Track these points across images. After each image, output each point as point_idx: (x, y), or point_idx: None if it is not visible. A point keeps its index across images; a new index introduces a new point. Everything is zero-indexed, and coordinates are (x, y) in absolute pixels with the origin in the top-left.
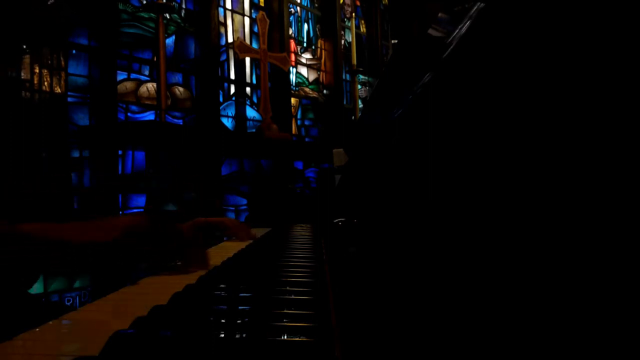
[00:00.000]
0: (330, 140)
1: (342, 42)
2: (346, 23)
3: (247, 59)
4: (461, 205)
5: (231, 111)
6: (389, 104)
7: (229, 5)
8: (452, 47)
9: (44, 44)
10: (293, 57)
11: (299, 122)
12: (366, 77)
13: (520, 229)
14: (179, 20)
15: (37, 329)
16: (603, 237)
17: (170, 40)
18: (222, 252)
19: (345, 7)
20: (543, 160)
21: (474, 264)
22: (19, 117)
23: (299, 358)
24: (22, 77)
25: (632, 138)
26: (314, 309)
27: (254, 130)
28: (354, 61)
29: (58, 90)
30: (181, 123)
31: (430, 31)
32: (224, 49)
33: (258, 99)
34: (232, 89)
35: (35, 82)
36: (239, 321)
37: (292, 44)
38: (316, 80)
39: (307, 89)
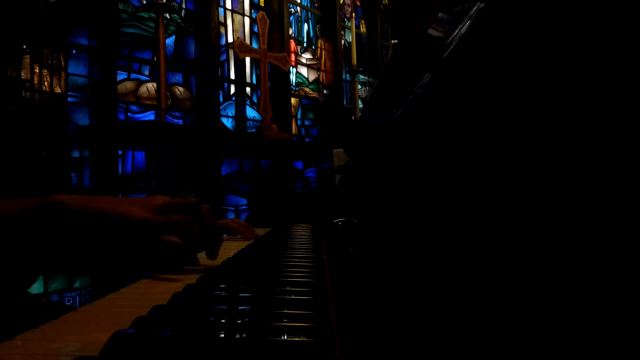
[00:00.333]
0: (330, 140)
1: (342, 42)
2: (346, 23)
3: (247, 59)
4: (461, 205)
5: (231, 111)
6: (389, 104)
7: (229, 5)
8: (452, 47)
9: (44, 44)
10: (293, 57)
11: (299, 122)
12: (366, 77)
13: (520, 229)
14: (179, 20)
15: (37, 329)
16: (603, 237)
17: (170, 40)
18: (221, 252)
19: (345, 7)
20: (543, 160)
21: (475, 263)
22: (19, 117)
23: (299, 358)
24: (22, 77)
25: (632, 138)
26: (314, 309)
27: (254, 130)
28: (354, 61)
29: (58, 90)
30: (181, 123)
31: (430, 31)
32: (224, 49)
33: (258, 99)
34: (232, 89)
35: (35, 82)
36: (239, 321)
37: (292, 44)
38: (316, 80)
39: (307, 89)
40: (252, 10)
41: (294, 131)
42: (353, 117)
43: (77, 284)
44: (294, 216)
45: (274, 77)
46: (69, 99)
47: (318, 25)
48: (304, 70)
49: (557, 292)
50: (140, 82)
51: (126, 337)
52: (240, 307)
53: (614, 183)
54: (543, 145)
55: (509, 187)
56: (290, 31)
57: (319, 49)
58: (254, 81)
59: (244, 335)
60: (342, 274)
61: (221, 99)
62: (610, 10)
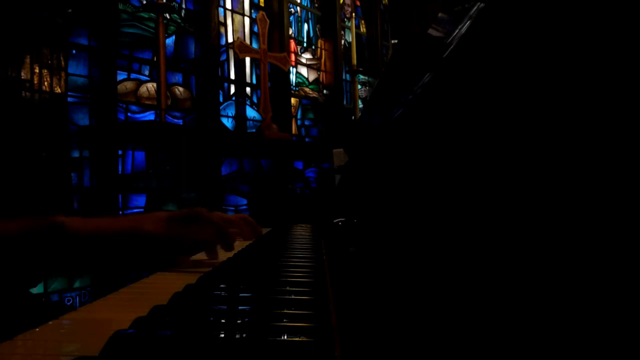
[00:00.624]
0: (330, 140)
1: (342, 42)
2: (346, 23)
3: (247, 59)
4: (461, 205)
5: (231, 111)
6: (389, 104)
7: (229, 5)
8: (452, 47)
9: (44, 44)
10: (293, 57)
11: (299, 122)
12: (366, 77)
13: (520, 229)
14: (179, 20)
15: (37, 329)
16: (603, 237)
17: (170, 40)
18: (221, 252)
19: (345, 7)
20: (543, 159)
21: (474, 263)
22: (19, 117)
23: (299, 358)
24: (22, 77)
25: (632, 138)
26: (314, 309)
27: (254, 130)
28: (354, 61)
29: (58, 90)
30: (181, 123)
31: (430, 31)
32: (224, 49)
33: (258, 99)
34: (232, 89)
35: (35, 82)
36: (239, 321)
37: (292, 44)
38: (316, 80)
39: (307, 89)
40: (252, 10)
41: (294, 131)
42: (353, 117)
43: (77, 284)
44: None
45: (274, 77)
46: (69, 99)
47: (318, 25)
48: (304, 70)
49: (556, 292)
50: (140, 82)
51: (126, 337)
52: (240, 307)
53: (613, 183)
54: (543, 144)
55: (508, 187)
56: (290, 31)
57: (319, 49)
58: (254, 81)
59: (244, 335)
60: (342, 274)
61: (221, 99)
62: (610, 10)
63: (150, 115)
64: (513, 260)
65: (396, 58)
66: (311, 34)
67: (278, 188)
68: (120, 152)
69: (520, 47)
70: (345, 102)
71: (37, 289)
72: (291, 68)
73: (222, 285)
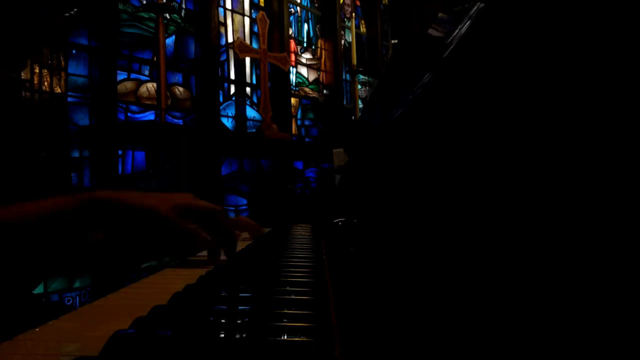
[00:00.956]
0: (330, 140)
1: (342, 42)
2: (346, 23)
3: (247, 59)
4: (461, 205)
5: (231, 111)
6: (389, 104)
7: (229, 5)
8: (452, 47)
9: (44, 44)
10: (293, 57)
11: (299, 122)
12: (366, 77)
13: (520, 228)
14: (179, 20)
15: (37, 329)
16: (603, 237)
17: (170, 40)
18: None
19: (345, 7)
20: (543, 160)
21: (474, 263)
22: (19, 117)
23: (299, 358)
24: (22, 77)
25: (632, 138)
26: (314, 309)
27: (254, 130)
28: (354, 61)
29: (58, 90)
30: (181, 123)
31: (430, 31)
32: (224, 49)
33: (258, 99)
34: (232, 89)
35: (35, 82)
36: (239, 321)
37: (292, 44)
38: (316, 80)
39: (307, 89)
40: (252, 10)
41: (294, 131)
42: (353, 117)
43: (77, 284)
44: (294, 216)
45: (274, 77)
46: (69, 99)
47: (318, 25)
48: (304, 70)
49: (556, 292)
50: (140, 82)
51: (126, 337)
52: (240, 307)
53: (613, 182)
54: (543, 145)
55: (508, 187)
56: (290, 31)
57: (319, 49)
58: (254, 81)
59: (244, 335)
60: (342, 274)
61: (221, 99)
62: (610, 10)
63: (150, 115)
64: (513, 260)
65: (396, 58)
66: (311, 34)
67: (278, 188)
68: (120, 152)
69: (520, 47)
70: (345, 102)
71: (37, 289)
72: (291, 68)
73: (222, 285)
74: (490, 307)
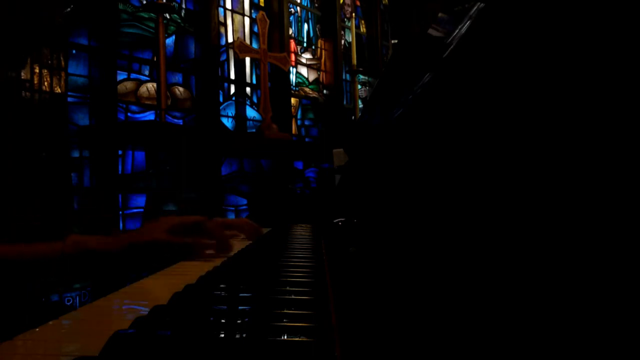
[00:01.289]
0: (330, 140)
1: (342, 42)
2: (346, 23)
3: (247, 59)
4: (461, 205)
5: (231, 111)
6: (389, 104)
7: (229, 5)
8: (452, 47)
9: (44, 43)
10: (293, 57)
11: (299, 122)
12: (366, 77)
13: (520, 228)
14: (179, 20)
15: (37, 329)
16: (603, 237)
17: (170, 40)
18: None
19: (345, 7)
20: (543, 159)
21: (474, 263)
22: (19, 117)
23: (299, 358)
24: (22, 77)
25: (632, 139)
26: (314, 309)
27: (254, 130)
28: (354, 61)
29: (58, 90)
30: (181, 123)
31: (430, 31)
32: (224, 49)
33: (258, 99)
34: (232, 89)
35: (35, 82)
36: (239, 321)
37: (292, 44)
38: (316, 80)
39: (307, 89)
40: (252, 10)
41: (294, 131)
42: (353, 117)
43: (77, 284)
44: (294, 216)
45: (274, 77)
46: (69, 99)
47: (318, 25)
48: (304, 70)
49: (556, 292)
50: (140, 82)
51: (126, 337)
52: (240, 307)
53: (613, 183)
54: (542, 144)
55: (508, 187)
56: (290, 31)
57: (319, 49)
58: (254, 81)
59: (244, 335)
60: (342, 274)
61: (221, 99)
62: (610, 10)
63: (150, 115)
64: (513, 259)
65: (396, 58)
66: (311, 34)
67: (278, 188)
68: (120, 152)
69: (520, 47)
70: (345, 102)
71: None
72: (291, 68)
73: (222, 285)
74: (489, 306)
